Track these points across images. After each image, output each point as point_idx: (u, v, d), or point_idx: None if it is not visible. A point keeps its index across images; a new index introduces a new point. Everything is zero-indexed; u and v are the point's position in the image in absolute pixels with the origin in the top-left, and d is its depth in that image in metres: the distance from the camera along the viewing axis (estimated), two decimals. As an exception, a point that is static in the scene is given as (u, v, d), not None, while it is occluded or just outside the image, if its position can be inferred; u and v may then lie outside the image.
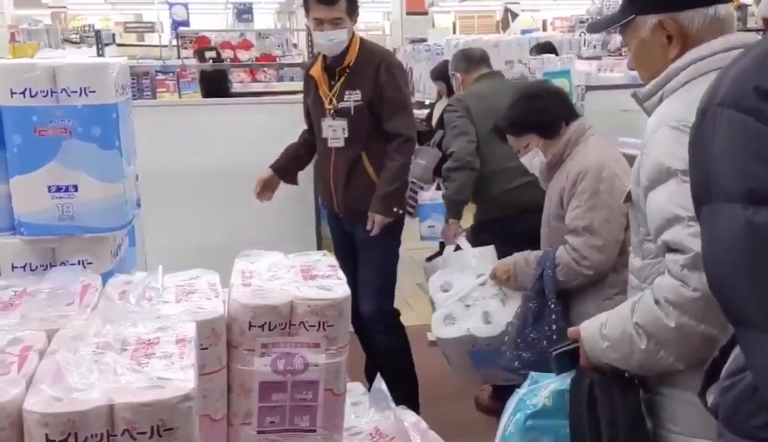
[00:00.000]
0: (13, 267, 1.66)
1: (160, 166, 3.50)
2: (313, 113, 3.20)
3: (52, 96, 1.60)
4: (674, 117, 1.46)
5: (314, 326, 1.36)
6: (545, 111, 2.59)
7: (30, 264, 1.66)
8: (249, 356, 1.35)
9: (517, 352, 2.39)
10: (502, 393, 2.98)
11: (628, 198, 1.64)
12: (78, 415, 0.97)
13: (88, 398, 0.99)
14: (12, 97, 1.59)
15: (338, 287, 1.42)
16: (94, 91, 1.62)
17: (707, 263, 0.96)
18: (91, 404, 0.98)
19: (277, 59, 6.24)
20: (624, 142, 3.20)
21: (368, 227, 3.06)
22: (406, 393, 2.99)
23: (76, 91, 1.61)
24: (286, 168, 3.32)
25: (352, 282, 3.14)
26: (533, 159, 2.61)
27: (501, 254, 2.77)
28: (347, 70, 3.06)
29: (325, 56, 3.13)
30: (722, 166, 0.91)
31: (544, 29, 15.43)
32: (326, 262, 1.59)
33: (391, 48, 11.22)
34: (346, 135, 3.06)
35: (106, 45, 8.88)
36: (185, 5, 15.83)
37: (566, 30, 13.33)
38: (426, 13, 12.04)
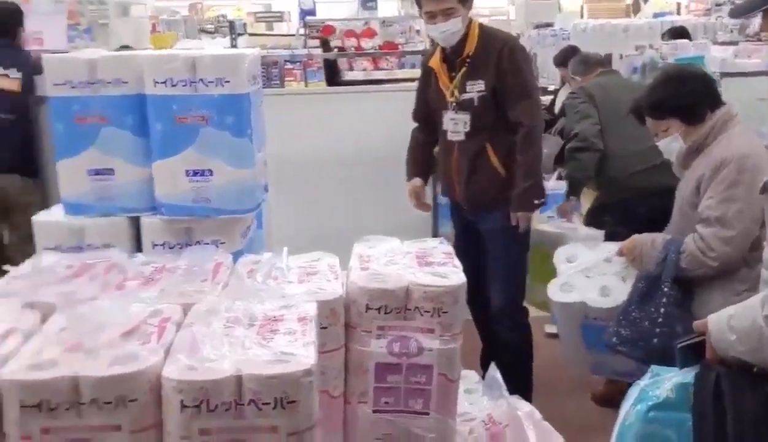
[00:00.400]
0: (153, 245, 1.79)
1: (287, 153, 3.64)
2: (435, 107, 3.13)
3: (191, 86, 1.71)
4: None
5: (429, 311, 1.40)
6: (691, 95, 2.49)
7: (168, 243, 1.78)
8: (366, 337, 1.40)
9: (617, 328, 2.38)
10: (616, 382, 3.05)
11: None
12: (210, 383, 1.05)
13: (219, 368, 1.06)
14: (155, 86, 1.71)
15: (454, 275, 1.44)
16: (228, 82, 1.72)
17: None
18: (222, 374, 1.06)
19: (400, 47, 6.27)
20: (762, 132, 3.04)
21: (513, 224, 2.97)
22: (521, 390, 2.96)
23: (212, 82, 1.71)
24: (426, 171, 3.26)
25: (472, 272, 3.14)
26: (671, 144, 2.52)
27: (622, 237, 2.73)
28: (467, 60, 2.95)
29: (444, 47, 3.04)
30: None
31: (678, 13, 14.70)
32: (442, 249, 1.62)
33: (515, 33, 11.06)
34: (468, 129, 2.98)
35: (239, 35, 9.25)
36: (312, -6, 16.19)
37: (702, 13, 12.64)
38: (551, -2, 11.76)
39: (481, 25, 3.06)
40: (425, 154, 3.27)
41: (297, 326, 1.21)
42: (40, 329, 1.23)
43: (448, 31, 2.90)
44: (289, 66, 3.97)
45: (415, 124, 3.29)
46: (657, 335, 2.27)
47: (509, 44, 3.02)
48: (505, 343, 3.14)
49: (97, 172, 1.78)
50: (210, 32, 11.30)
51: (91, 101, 1.75)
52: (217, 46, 4.45)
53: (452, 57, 3.00)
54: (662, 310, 2.31)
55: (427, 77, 3.15)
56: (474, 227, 3.18)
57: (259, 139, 1.87)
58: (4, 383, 1.05)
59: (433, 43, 3.33)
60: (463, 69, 2.96)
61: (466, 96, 2.97)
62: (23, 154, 3.91)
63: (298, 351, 1.11)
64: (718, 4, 10.90)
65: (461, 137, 3.02)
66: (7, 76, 4.05)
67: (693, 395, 1.58)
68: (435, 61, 3.06)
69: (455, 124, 3.02)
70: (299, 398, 1.06)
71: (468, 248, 3.12)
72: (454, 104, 3.00)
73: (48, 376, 1.05)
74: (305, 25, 6.36)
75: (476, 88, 2.94)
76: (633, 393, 1.70)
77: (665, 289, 2.34)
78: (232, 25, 3.35)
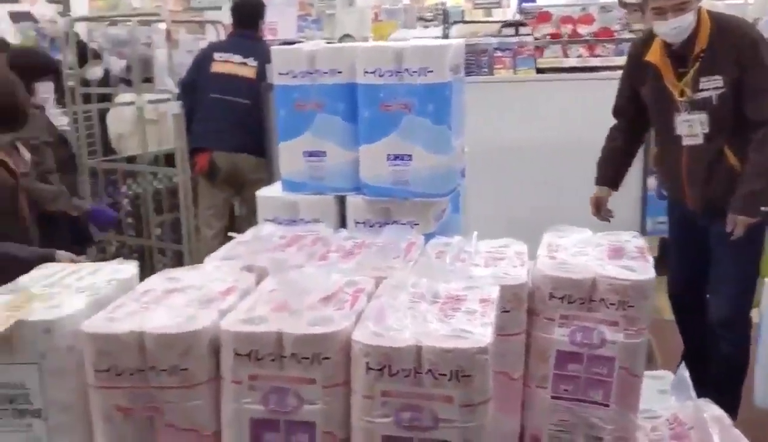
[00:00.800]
0: (355, 222, 1.94)
1: (493, 140, 3.70)
2: (655, 106, 2.91)
3: (396, 75, 1.82)
4: None
5: (614, 304, 1.39)
6: None
7: (368, 221, 1.92)
8: (548, 324, 1.43)
9: None
10: None
11: None
12: (392, 350, 1.14)
13: (401, 338, 1.16)
14: (365, 76, 1.84)
15: (643, 270, 1.43)
16: (431, 71, 1.81)
17: None
18: (403, 342, 1.15)
19: (615, 34, 6.04)
20: None
21: (728, 230, 2.75)
22: (729, 406, 2.75)
23: (416, 71, 1.81)
24: (617, 180, 3.12)
25: (687, 274, 3.00)
26: None
27: None
28: (701, 55, 2.71)
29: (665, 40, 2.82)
30: None
31: None
32: (635, 243, 1.60)
33: (751, 19, 10.16)
34: (706, 130, 2.74)
35: (455, 23, 9.39)
36: (535, -20, 15.98)
37: None
38: (800, -22, 10.62)
39: (710, 14, 2.79)
40: (621, 160, 3.09)
41: (478, 306, 1.27)
42: (255, 289, 1.40)
43: (681, 27, 2.68)
44: (498, 54, 4.01)
45: (615, 122, 3.10)
46: None
47: (750, 35, 2.76)
48: (723, 357, 2.90)
49: (311, 154, 1.95)
50: (428, 20, 11.58)
51: (309, 89, 1.92)
52: (425, 37, 4.59)
53: (681, 51, 2.76)
54: None
55: (641, 72, 2.92)
56: (698, 228, 2.96)
57: (458, 127, 1.95)
58: (222, 332, 1.21)
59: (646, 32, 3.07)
60: (696, 64, 2.73)
61: (701, 95, 2.73)
62: (256, 136, 4.33)
63: (476, 330, 1.17)
64: None
65: (699, 140, 2.77)
66: (245, 64, 4.50)
67: None
68: (655, 55, 2.83)
69: (690, 127, 2.78)
70: (473, 373, 1.13)
71: (686, 248, 2.96)
72: (686, 104, 2.76)
73: (258, 330, 1.21)
74: (521, 12, 6.31)
75: (713, 85, 2.71)
76: None
77: None
78: (445, 13, 3.44)
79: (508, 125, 3.64)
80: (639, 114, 3.04)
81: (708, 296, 2.97)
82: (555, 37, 4.35)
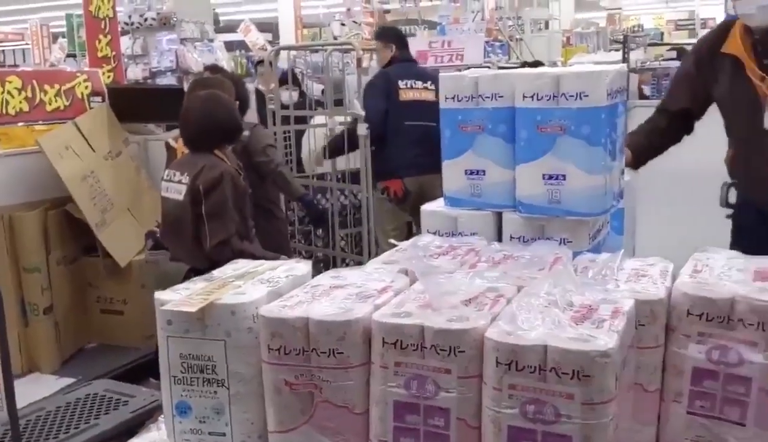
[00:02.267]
0: (511, 237, 2.05)
1: (669, 163, 3.64)
2: (735, 104, 2.63)
3: (553, 99, 1.93)
4: None
5: (753, 325, 1.41)
6: None
7: (523, 236, 2.03)
8: (684, 340, 1.47)
9: None
10: None
11: None
12: (519, 347, 1.26)
13: (528, 337, 1.27)
14: (524, 100, 1.97)
15: (788, 292, 1.43)
16: (587, 95, 1.89)
17: None
18: (530, 341, 1.26)
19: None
20: None
21: None
22: None
23: (573, 96, 1.90)
24: (641, 157, 2.73)
25: None
26: None
27: None
28: None
29: (747, 29, 2.51)
30: None
31: None
32: (782, 266, 1.58)
33: None
34: None
35: (651, 45, 9.14)
36: (742, -2, 15.03)
37: None
38: None
39: None
40: (657, 141, 2.75)
41: (609, 316, 1.35)
42: (408, 289, 1.57)
43: (760, 6, 2.38)
44: (680, 78, 3.91)
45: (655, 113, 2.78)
46: None
47: None
48: None
49: (472, 172, 2.10)
50: (620, 42, 11.33)
51: (472, 112, 2.08)
52: (609, 59, 4.58)
53: (766, 40, 2.47)
54: None
55: (712, 69, 2.62)
56: None
57: (614, 149, 2.01)
58: (373, 323, 1.40)
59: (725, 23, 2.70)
60: None
61: None
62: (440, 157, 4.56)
63: (601, 336, 1.26)
64: None
65: None
66: (427, 88, 4.76)
67: None
68: (735, 46, 2.56)
69: None
70: (594, 374, 1.22)
71: None
72: None
73: (403, 322, 1.37)
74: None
75: None
76: None
77: None
78: (625, 38, 3.41)
79: (686, 149, 3.56)
80: (687, 116, 2.78)
81: None
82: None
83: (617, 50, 8.51)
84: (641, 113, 3.72)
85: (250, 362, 1.52)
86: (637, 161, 2.73)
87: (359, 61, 4.69)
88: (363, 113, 4.71)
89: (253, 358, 1.51)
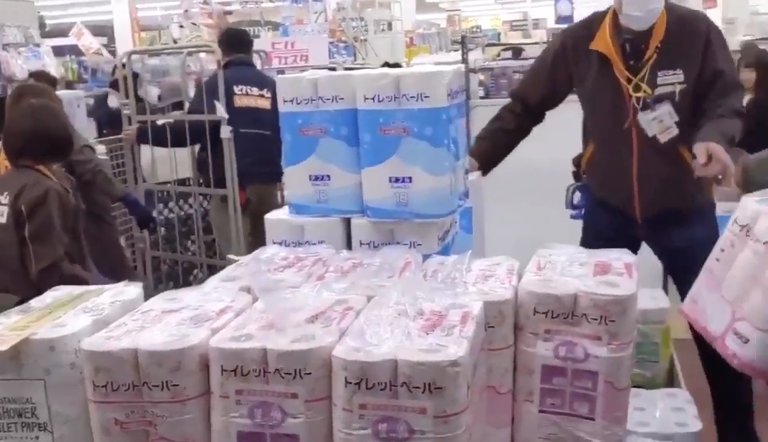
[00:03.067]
0: (360, 243, 1.99)
1: (512, 161, 3.74)
2: (600, 101, 2.61)
3: (394, 101, 1.89)
4: None
5: (596, 319, 1.42)
6: None
7: (373, 242, 1.98)
8: (533, 339, 1.47)
9: None
10: None
11: None
12: (369, 365, 1.19)
13: (378, 352, 1.21)
14: (365, 101, 1.91)
15: (626, 285, 1.46)
16: (428, 96, 1.87)
17: None
18: (379, 357, 1.20)
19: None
20: None
21: (701, 161, 2.31)
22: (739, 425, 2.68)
23: (414, 97, 1.87)
24: (489, 162, 2.70)
25: None
26: None
27: None
28: (658, 48, 2.45)
29: (617, 27, 2.49)
30: None
31: None
32: (624, 260, 1.62)
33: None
34: (677, 119, 2.49)
35: (489, 45, 9.48)
36: (570, 0, 15.97)
37: None
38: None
39: (666, 4, 2.53)
40: (503, 143, 2.73)
41: (458, 322, 1.32)
42: (250, 308, 1.47)
43: (655, 9, 2.41)
44: (518, 77, 4.05)
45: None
46: None
47: (712, 25, 2.56)
48: (729, 388, 2.68)
49: (317, 178, 2.02)
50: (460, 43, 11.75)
51: (313, 115, 2.00)
52: (450, 60, 4.67)
53: (635, 42, 2.47)
54: None
55: (583, 61, 2.57)
56: (635, 243, 2.66)
57: (458, 149, 2.00)
58: (210, 349, 1.28)
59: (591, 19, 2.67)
60: (654, 58, 2.48)
61: (662, 90, 2.50)
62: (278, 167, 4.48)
63: (451, 345, 1.22)
64: None
65: (674, 132, 2.51)
66: (263, 95, 4.64)
67: None
68: (605, 44, 2.52)
69: (660, 122, 2.51)
70: (446, 385, 1.17)
71: None
72: (646, 100, 2.51)
73: (243, 346, 1.27)
74: (549, 34, 6.36)
75: (673, 80, 2.48)
76: None
77: None
78: (464, 40, 3.46)
79: (527, 144, 3.67)
80: (540, 106, 2.76)
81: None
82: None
83: (457, 50, 8.76)
84: (482, 113, 3.80)
85: (74, 401, 1.36)
86: (485, 169, 2.69)
87: (219, 62, 4.49)
88: (226, 116, 4.49)
89: (77, 397, 1.35)
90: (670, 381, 3.60)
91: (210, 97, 4.47)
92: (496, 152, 2.80)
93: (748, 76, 4.86)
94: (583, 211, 3.02)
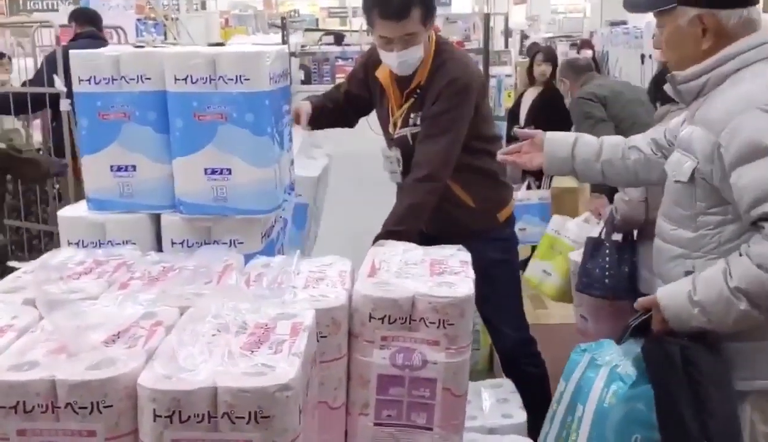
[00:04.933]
0: (172, 243, 1.78)
1: (342, 150, 3.62)
2: (383, 125, 2.60)
3: (210, 83, 1.69)
4: (761, 101, 1.60)
5: (434, 323, 1.34)
6: None
7: (187, 241, 1.77)
8: (369, 347, 1.35)
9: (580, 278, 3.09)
10: None
11: (691, 178, 1.70)
12: (183, 394, 1.01)
13: (194, 380, 1.03)
14: (176, 83, 1.70)
15: (463, 285, 1.38)
16: (248, 79, 1.69)
17: None
18: (195, 384, 1.02)
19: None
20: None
21: None
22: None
23: (232, 79, 1.68)
24: (321, 118, 2.59)
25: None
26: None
27: None
28: (417, 91, 2.44)
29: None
30: None
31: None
32: (459, 257, 1.55)
33: (588, 31, 10.74)
34: (401, 168, 2.50)
35: (309, 30, 9.30)
36: (386, -11, 16.18)
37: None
38: (628, -6, 11.38)
39: (439, 48, 2.46)
40: (336, 106, 2.65)
41: (288, 335, 1.16)
42: (36, 327, 1.22)
43: (408, 61, 2.36)
44: (341, 62, 3.94)
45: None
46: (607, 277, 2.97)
47: (460, 80, 2.41)
48: (527, 383, 2.59)
49: (120, 169, 1.78)
50: (280, 27, 11.46)
51: (114, 97, 1.75)
52: (271, 42, 4.47)
53: (403, 80, 2.46)
54: (607, 259, 2.98)
55: (371, 83, 2.57)
56: None
57: (282, 139, 1.84)
58: (-17, 383, 1.04)
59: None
60: (411, 100, 2.46)
61: (402, 132, 2.48)
62: None
63: (280, 364, 1.06)
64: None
65: (398, 179, 2.54)
66: None
67: (655, 367, 1.70)
68: (384, 76, 2.50)
69: (391, 164, 2.55)
70: (274, 413, 1.02)
71: None
72: (391, 141, 2.53)
73: (26, 378, 1.04)
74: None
75: (417, 122, 2.44)
76: (596, 375, 1.74)
77: (607, 246, 2.99)
78: (284, 22, 3.29)
79: (357, 135, 3.56)
80: (355, 104, 2.66)
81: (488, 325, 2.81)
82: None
83: (276, 33, 8.52)
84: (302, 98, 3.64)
85: None
86: (316, 122, 2.56)
87: (58, 38, 4.12)
88: (65, 89, 4.17)
89: None
90: (491, 366, 3.71)
91: (50, 70, 4.29)
92: (328, 113, 2.66)
93: (544, 69, 5.34)
94: None
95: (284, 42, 3.52)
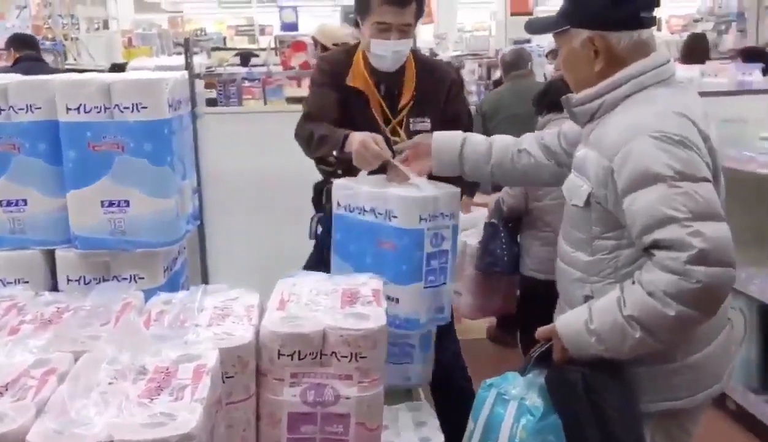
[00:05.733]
0: (68, 280, 1.68)
1: (244, 173, 3.55)
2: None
3: (105, 112, 1.61)
4: (653, 128, 1.60)
5: (346, 356, 1.30)
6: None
7: (84, 278, 1.68)
8: (278, 385, 1.31)
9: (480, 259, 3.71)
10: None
11: (577, 200, 1.73)
12: (71, 454, 0.94)
13: (88, 434, 0.96)
14: (68, 113, 1.61)
15: (375, 316, 1.35)
16: (146, 107, 1.62)
17: None
18: (90, 439, 0.95)
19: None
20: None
21: None
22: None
23: (128, 107, 1.61)
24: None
25: None
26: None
27: None
28: (414, 94, 2.45)
29: (370, 67, 2.44)
30: None
31: (659, 29, 14.73)
32: (372, 285, 1.53)
33: (494, 49, 11.02)
34: None
35: (215, 49, 9.12)
36: (294, 8, 16.13)
37: (680, 29, 12.68)
38: (531, 14, 11.75)
39: (415, 54, 2.55)
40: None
41: (190, 380, 1.11)
42: None
43: (402, 51, 2.38)
44: (247, 84, 3.87)
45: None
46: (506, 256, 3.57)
47: (452, 73, 2.62)
48: (459, 398, 2.53)
49: (9, 203, 1.67)
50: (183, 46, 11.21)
51: (2, 129, 1.65)
52: (174, 64, 4.36)
53: (389, 84, 2.46)
54: (504, 241, 3.58)
55: (344, 97, 2.46)
56: None
57: (184, 167, 1.77)
58: None
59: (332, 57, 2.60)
60: (409, 104, 2.47)
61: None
62: None
63: (181, 412, 1.01)
64: (695, 21, 10.94)
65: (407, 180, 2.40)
66: None
67: (559, 397, 1.69)
68: (362, 82, 2.46)
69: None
70: (177, 468, 0.96)
71: None
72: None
73: None
74: (276, 40, 6.26)
75: (421, 128, 2.44)
76: (505, 410, 1.72)
77: (501, 230, 3.59)
78: (187, 42, 3.17)
79: (259, 158, 3.51)
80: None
81: None
82: (304, 67, 4.30)
83: (180, 54, 8.34)
84: (210, 122, 3.57)
85: None
86: None
87: None
88: None
89: None
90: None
91: None
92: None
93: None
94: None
95: (188, 64, 3.43)
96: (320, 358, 1.31)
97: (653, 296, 1.55)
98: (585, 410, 1.64)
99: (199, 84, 3.76)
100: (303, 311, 1.37)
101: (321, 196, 2.79)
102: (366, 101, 2.47)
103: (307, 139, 2.43)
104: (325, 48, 5.72)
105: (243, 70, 4.12)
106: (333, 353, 1.30)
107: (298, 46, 6.42)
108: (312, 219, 2.79)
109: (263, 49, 7.65)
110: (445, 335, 2.57)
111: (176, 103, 1.72)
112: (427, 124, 2.47)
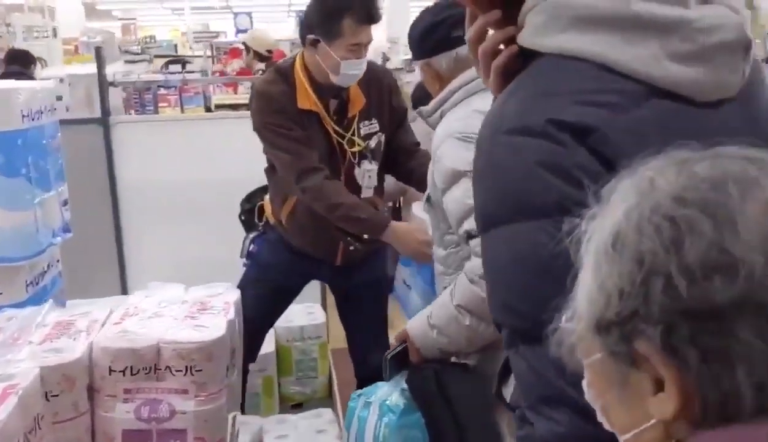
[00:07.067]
0: None
1: (160, 182, 3.50)
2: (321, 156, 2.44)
3: (-47, 123, 1.56)
4: (456, 130, 1.71)
5: (181, 370, 1.27)
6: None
7: (-64, 296, 1.62)
8: (111, 401, 1.27)
9: None
10: None
11: (428, 200, 1.83)
12: None
13: None
14: None
15: (214, 328, 1.32)
16: (-3, 118, 1.57)
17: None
18: None
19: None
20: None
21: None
22: None
23: (-22, 119, 1.56)
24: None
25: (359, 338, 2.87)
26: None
27: None
28: (365, 100, 2.46)
29: (315, 86, 2.40)
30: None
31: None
32: (225, 298, 1.50)
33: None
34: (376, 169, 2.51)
35: (159, 56, 8.97)
36: (249, 14, 16.03)
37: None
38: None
39: None
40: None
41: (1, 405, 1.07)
42: None
43: (363, 69, 2.37)
44: (162, 91, 3.81)
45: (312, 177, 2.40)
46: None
47: (390, 73, 2.72)
48: None
49: None
50: (136, 53, 10.99)
51: None
52: (86, 72, 4.29)
53: (340, 95, 2.43)
54: None
55: (297, 120, 2.41)
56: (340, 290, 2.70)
57: (45, 179, 1.73)
58: None
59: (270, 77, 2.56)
60: (357, 111, 2.45)
61: (372, 141, 2.47)
62: None
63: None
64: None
65: (373, 184, 2.50)
66: None
67: (417, 394, 1.73)
68: (309, 101, 2.40)
69: (370, 178, 2.49)
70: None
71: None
72: (365, 153, 2.47)
73: None
74: (212, 47, 6.20)
75: (372, 131, 2.46)
76: (369, 413, 1.76)
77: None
78: (98, 51, 3.06)
79: (176, 166, 3.45)
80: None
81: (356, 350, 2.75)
82: (222, 74, 4.25)
83: (131, 62, 8.21)
84: (123, 130, 3.51)
85: None
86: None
87: None
88: None
89: None
90: (330, 393, 3.65)
91: None
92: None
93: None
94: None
95: (99, 72, 3.37)
96: (155, 372, 1.28)
97: (473, 282, 1.64)
98: (440, 405, 1.69)
99: (115, 93, 3.70)
100: (141, 325, 1.34)
101: (252, 214, 2.74)
102: (318, 119, 2.42)
103: (329, 208, 2.39)
104: (257, 54, 5.71)
105: (160, 77, 4.05)
106: (167, 367, 1.27)
107: (235, 52, 6.38)
108: (244, 240, 2.72)
109: (198, 56, 7.57)
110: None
111: (35, 113, 1.68)
112: (375, 125, 2.49)
